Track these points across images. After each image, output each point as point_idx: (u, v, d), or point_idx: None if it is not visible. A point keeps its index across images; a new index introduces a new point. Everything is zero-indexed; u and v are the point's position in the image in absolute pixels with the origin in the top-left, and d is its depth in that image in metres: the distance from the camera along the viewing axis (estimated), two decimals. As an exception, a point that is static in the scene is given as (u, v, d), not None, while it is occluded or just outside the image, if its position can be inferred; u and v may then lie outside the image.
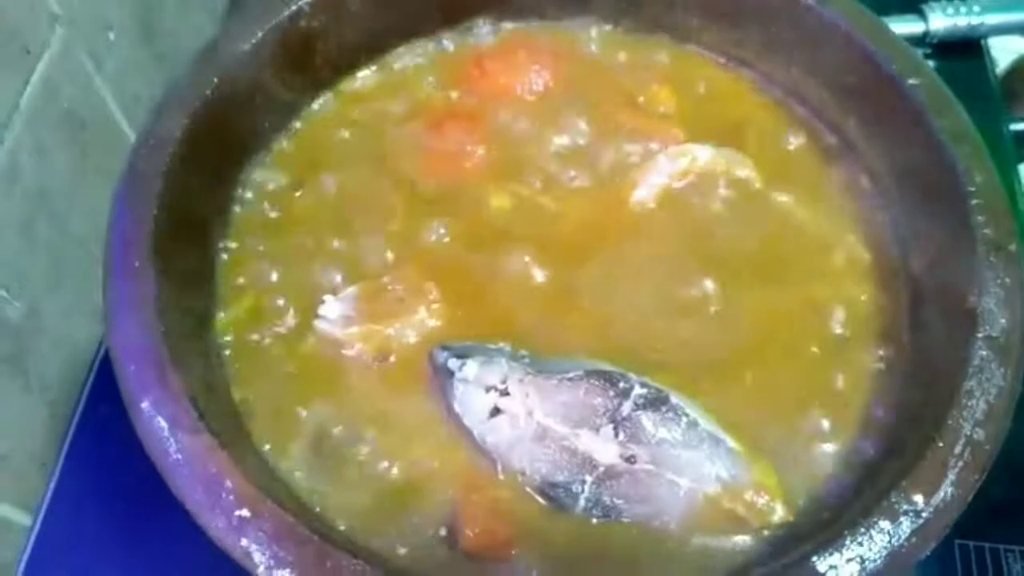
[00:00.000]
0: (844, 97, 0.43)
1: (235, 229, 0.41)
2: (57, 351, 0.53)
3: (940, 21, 0.62)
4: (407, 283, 0.38)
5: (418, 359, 0.37)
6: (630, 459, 0.34)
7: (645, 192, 0.42)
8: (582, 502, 0.33)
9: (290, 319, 0.38)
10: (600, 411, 0.34)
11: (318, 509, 0.33)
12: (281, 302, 0.39)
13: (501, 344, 0.37)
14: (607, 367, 0.35)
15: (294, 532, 0.28)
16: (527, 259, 0.40)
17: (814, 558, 0.29)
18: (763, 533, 0.33)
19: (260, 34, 0.40)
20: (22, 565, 0.47)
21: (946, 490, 0.30)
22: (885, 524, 0.29)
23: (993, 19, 0.63)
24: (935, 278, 0.37)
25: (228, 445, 0.30)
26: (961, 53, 0.64)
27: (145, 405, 0.30)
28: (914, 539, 0.29)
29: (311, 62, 0.44)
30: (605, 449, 0.34)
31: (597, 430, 0.34)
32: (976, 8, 0.62)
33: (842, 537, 0.29)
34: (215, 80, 0.38)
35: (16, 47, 0.48)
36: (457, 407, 0.35)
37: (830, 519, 0.32)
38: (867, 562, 0.29)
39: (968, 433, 0.31)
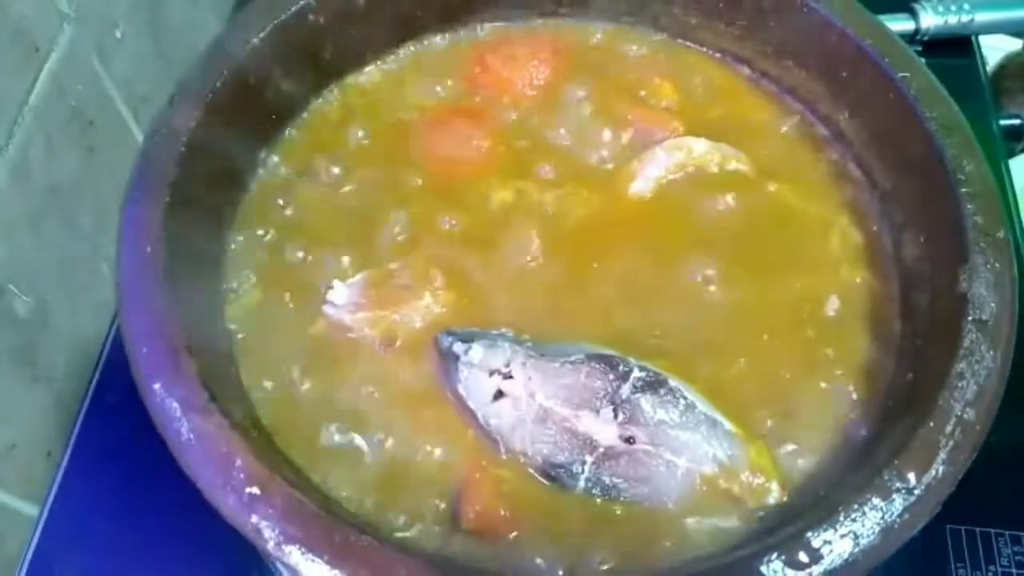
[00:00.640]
0: (837, 90, 0.44)
1: (245, 216, 0.42)
2: (64, 344, 0.54)
3: (931, 19, 0.64)
4: (413, 271, 0.39)
5: (423, 344, 0.38)
6: (629, 440, 0.34)
7: (642, 184, 0.43)
8: (582, 482, 0.34)
9: (299, 304, 0.39)
10: (600, 393, 0.35)
11: (325, 488, 0.34)
12: (290, 287, 0.39)
13: (504, 330, 0.38)
14: (607, 351, 0.36)
15: (302, 509, 0.29)
16: (529, 249, 0.41)
17: (809, 534, 0.29)
18: (759, 512, 0.34)
19: (269, 28, 0.41)
20: (29, 556, 0.48)
21: (937, 468, 0.30)
22: (878, 501, 0.30)
23: (983, 17, 0.64)
24: (926, 264, 0.38)
25: (238, 425, 0.31)
26: (952, 51, 0.65)
27: (157, 387, 0.31)
28: (906, 516, 0.30)
29: (318, 56, 0.45)
30: (605, 430, 0.34)
31: (597, 412, 0.35)
32: (966, 6, 0.64)
33: (836, 514, 0.30)
34: (225, 73, 0.39)
35: (25, 45, 0.49)
36: (462, 390, 0.36)
37: (824, 497, 0.33)
38: (860, 538, 0.29)
39: (959, 413, 0.31)
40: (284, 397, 0.37)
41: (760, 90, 0.48)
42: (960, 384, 0.32)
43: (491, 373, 0.35)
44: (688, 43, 0.49)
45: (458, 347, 0.36)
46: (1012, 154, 0.67)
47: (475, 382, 0.35)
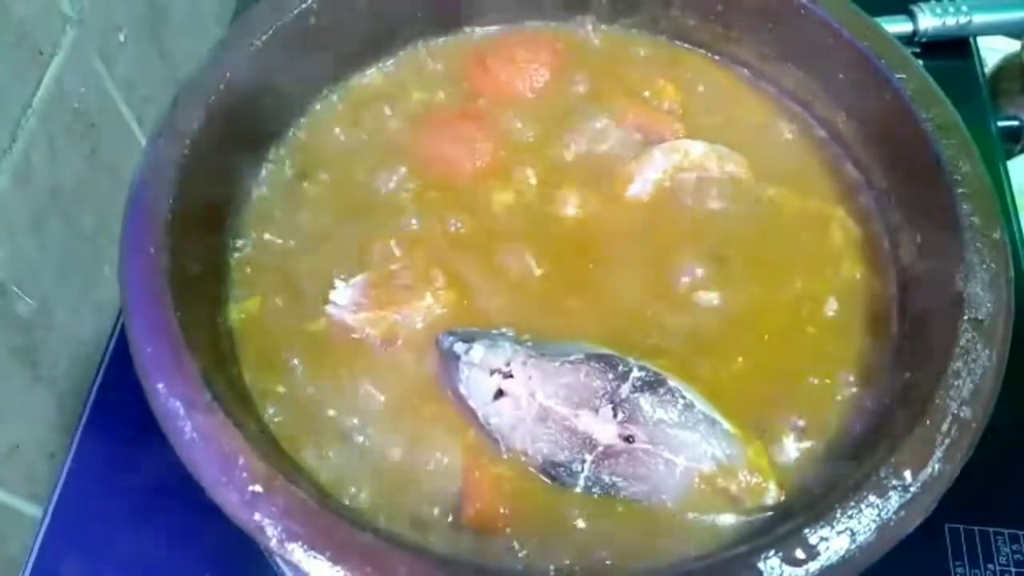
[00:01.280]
0: (834, 92, 0.45)
1: (248, 217, 0.42)
2: (66, 345, 0.54)
3: (929, 21, 0.64)
4: (414, 271, 0.40)
5: (424, 344, 0.38)
6: (628, 439, 0.35)
7: (640, 186, 0.44)
8: (582, 481, 0.34)
9: (301, 304, 0.39)
10: (600, 393, 0.35)
11: (326, 486, 0.34)
12: (292, 288, 0.40)
13: (504, 330, 0.38)
14: (607, 351, 0.36)
15: (304, 506, 0.29)
16: (528, 250, 0.41)
17: (806, 531, 0.30)
18: (756, 511, 0.34)
19: (270, 31, 0.41)
20: (32, 556, 0.48)
21: (934, 466, 0.31)
22: (875, 499, 0.30)
23: (981, 19, 0.64)
24: (923, 263, 0.39)
25: (241, 424, 0.31)
26: (950, 52, 0.65)
27: (161, 387, 0.31)
28: (903, 513, 0.30)
29: (320, 59, 0.45)
30: (604, 429, 0.35)
31: (597, 411, 0.35)
32: (964, 8, 0.64)
33: (833, 511, 0.30)
34: (228, 75, 0.39)
35: (29, 48, 0.49)
36: (463, 389, 0.36)
37: (821, 494, 0.33)
38: (857, 535, 0.29)
39: (955, 412, 0.32)
40: (286, 396, 0.37)
41: (758, 91, 0.48)
42: (956, 383, 0.32)
43: (492, 372, 0.36)
44: (687, 45, 0.49)
45: (459, 347, 0.36)
46: (1010, 155, 0.68)
47: (476, 381, 0.36)
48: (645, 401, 0.35)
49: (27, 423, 0.52)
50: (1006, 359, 0.33)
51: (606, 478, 0.34)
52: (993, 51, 0.76)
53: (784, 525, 0.31)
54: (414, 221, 0.42)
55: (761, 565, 0.29)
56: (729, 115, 0.47)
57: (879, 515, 0.30)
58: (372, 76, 0.48)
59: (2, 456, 0.50)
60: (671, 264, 0.41)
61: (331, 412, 0.37)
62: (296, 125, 0.45)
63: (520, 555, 0.33)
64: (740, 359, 0.38)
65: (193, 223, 0.36)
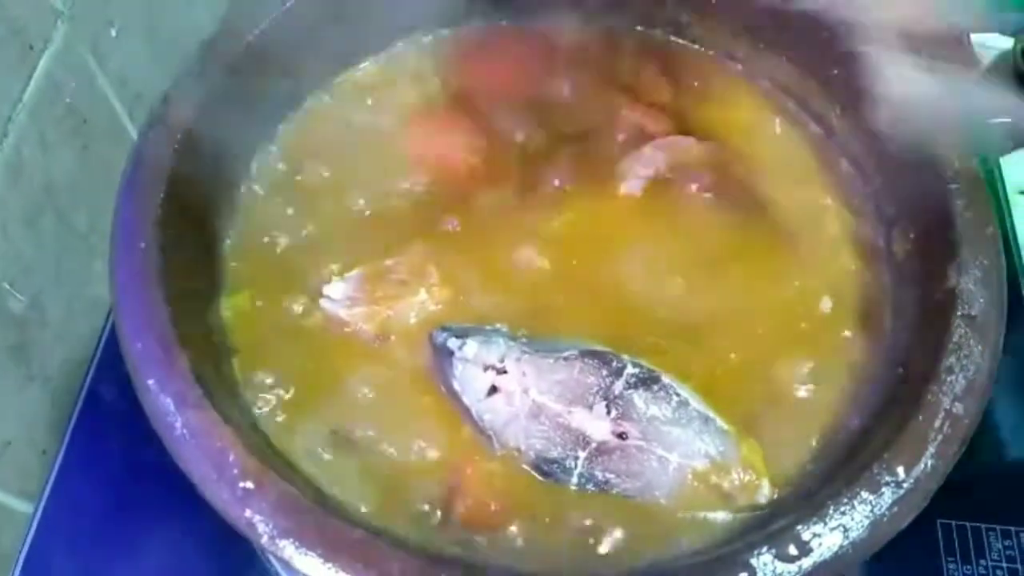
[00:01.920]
0: (828, 88, 0.45)
1: (239, 212, 0.42)
2: (59, 342, 0.54)
3: (923, 18, 0.64)
4: (409, 267, 0.39)
5: (418, 339, 0.38)
6: (622, 435, 0.35)
7: (634, 183, 0.44)
8: (575, 477, 0.34)
9: (294, 298, 0.39)
10: (593, 389, 0.35)
11: (318, 482, 0.34)
12: (285, 283, 0.39)
13: (498, 325, 0.38)
14: (601, 347, 0.36)
15: (296, 503, 0.29)
16: (523, 247, 0.41)
17: (798, 527, 0.29)
18: (749, 508, 0.34)
19: (264, 26, 0.41)
20: (23, 553, 0.48)
21: (926, 462, 0.31)
22: (867, 495, 0.30)
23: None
24: (916, 259, 0.39)
25: (232, 420, 0.31)
26: (944, 49, 0.65)
27: (151, 383, 0.31)
28: (895, 509, 0.30)
29: (313, 54, 0.45)
30: (598, 426, 0.35)
31: (590, 407, 0.35)
32: (958, 6, 0.64)
33: (825, 507, 0.30)
34: (220, 70, 0.39)
35: (19, 43, 0.49)
36: (456, 385, 0.36)
37: (814, 490, 0.33)
38: (850, 531, 0.29)
39: (948, 408, 0.32)
40: (278, 391, 0.37)
41: (753, 87, 0.48)
42: (949, 379, 0.32)
43: (485, 368, 0.36)
44: (681, 40, 0.49)
45: (452, 342, 0.36)
46: (1003, 152, 0.68)
47: (469, 377, 0.36)
48: (639, 398, 0.35)
49: (19, 420, 0.51)
50: (999, 355, 0.33)
51: (599, 475, 0.34)
52: (986, 48, 0.76)
53: (777, 521, 0.31)
54: (408, 216, 0.42)
55: (754, 561, 0.29)
56: (722, 110, 0.47)
57: (872, 511, 0.30)
58: (364, 72, 0.47)
59: (-6, 453, 0.49)
60: (666, 262, 0.41)
61: (323, 407, 0.36)
62: (288, 120, 0.45)
63: (512, 551, 0.33)
64: (733, 355, 0.38)
65: (184, 219, 0.36)
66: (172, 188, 0.35)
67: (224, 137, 0.40)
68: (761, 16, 0.46)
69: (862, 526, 0.30)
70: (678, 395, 0.35)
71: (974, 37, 0.67)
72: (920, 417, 0.32)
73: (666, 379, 0.35)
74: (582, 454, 0.34)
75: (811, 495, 0.32)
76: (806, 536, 0.29)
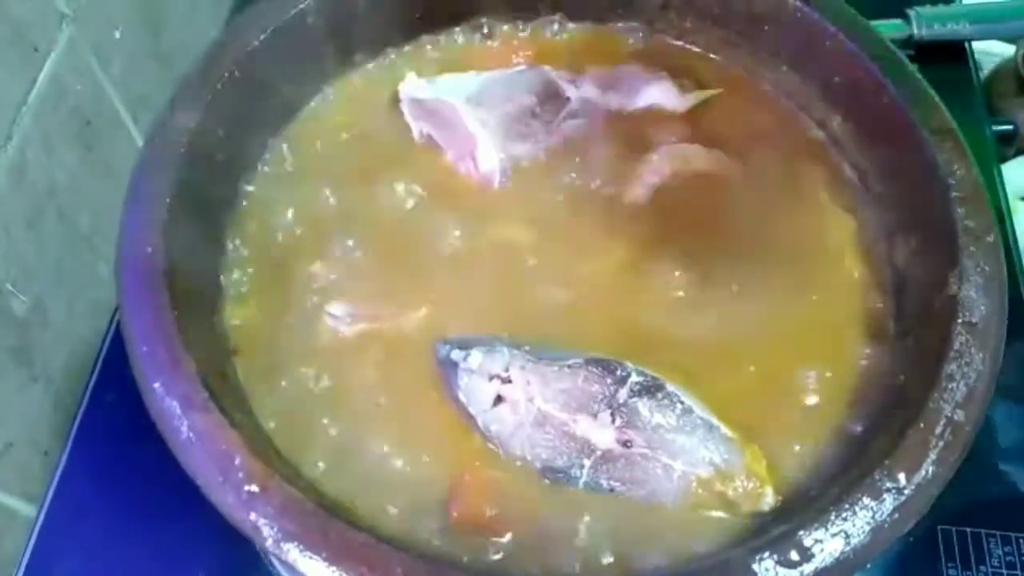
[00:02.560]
0: (830, 95, 0.45)
1: (244, 217, 0.42)
2: (62, 344, 0.54)
3: (925, 25, 0.64)
4: (411, 280, 0.40)
5: (421, 351, 0.38)
6: (626, 444, 0.35)
7: (640, 190, 0.44)
8: (581, 485, 0.35)
9: (297, 306, 0.39)
10: (598, 398, 0.35)
11: (322, 488, 0.34)
12: (289, 289, 0.39)
13: (501, 335, 0.38)
14: (605, 356, 0.36)
15: (301, 507, 0.29)
16: (526, 256, 0.41)
17: (800, 533, 0.30)
18: (753, 516, 0.34)
19: (268, 31, 0.41)
20: (27, 556, 0.48)
21: (927, 469, 0.31)
22: (869, 501, 0.30)
23: (976, 24, 0.64)
24: (918, 267, 0.39)
25: (237, 424, 0.31)
26: (945, 57, 0.66)
27: (157, 386, 0.31)
28: (896, 515, 0.30)
29: (317, 58, 0.45)
30: (602, 434, 0.35)
31: (595, 416, 0.35)
32: (959, 13, 0.64)
33: (827, 513, 0.30)
34: (225, 75, 0.39)
35: (24, 45, 0.49)
36: (462, 397, 0.36)
37: (816, 496, 0.33)
38: (851, 537, 0.30)
39: (949, 415, 0.32)
40: (282, 396, 0.37)
41: (755, 93, 0.48)
42: (950, 386, 0.33)
43: (490, 378, 0.36)
44: (683, 47, 0.50)
45: (456, 354, 0.36)
46: (1004, 159, 0.68)
47: (475, 388, 0.36)
48: (643, 406, 0.35)
49: (21, 422, 0.51)
50: (1000, 362, 0.34)
51: (604, 483, 0.34)
52: (988, 55, 0.76)
53: (779, 527, 0.31)
54: (411, 224, 0.42)
55: (756, 567, 0.29)
56: (726, 117, 0.47)
57: (873, 517, 0.30)
58: (368, 76, 0.48)
59: (-3, 455, 0.50)
60: (672, 270, 0.41)
61: (327, 415, 0.36)
62: (294, 124, 0.45)
63: (515, 557, 0.33)
64: (741, 362, 0.38)
65: (190, 223, 0.36)
66: (177, 194, 0.35)
67: (229, 142, 0.40)
68: (762, 23, 0.46)
69: (863, 532, 0.30)
70: (682, 403, 0.35)
71: (976, 44, 0.68)
72: (921, 424, 0.32)
73: (670, 387, 0.36)
74: (587, 462, 0.34)
75: (813, 501, 0.32)
76: (808, 542, 0.30)
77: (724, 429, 0.35)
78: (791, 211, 0.43)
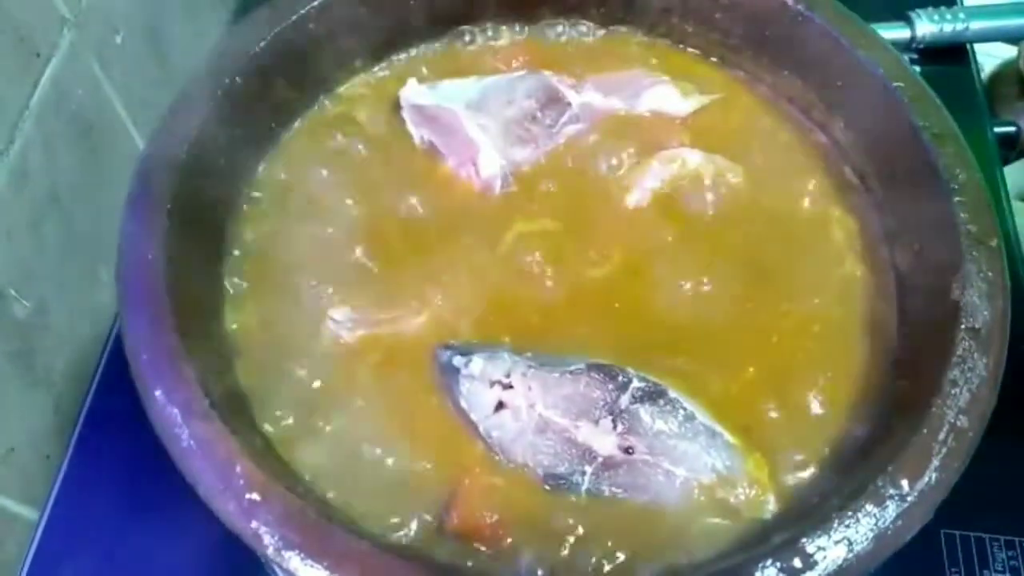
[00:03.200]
0: (832, 99, 0.45)
1: (245, 224, 0.42)
2: (63, 348, 0.54)
3: (926, 27, 0.64)
4: (412, 283, 0.39)
5: (422, 358, 0.38)
6: (628, 450, 0.35)
7: (639, 195, 0.44)
8: (583, 492, 0.34)
9: (299, 312, 0.39)
10: (599, 404, 0.35)
11: (323, 495, 0.34)
12: (289, 295, 0.39)
13: (503, 340, 0.38)
14: (606, 362, 0.36)
15: (302, 515, 0.29)
16: (527, 261, 0.41)
17: (803, 540, 0.30)
18: (755, 523, 0.34)
19: (269, 37, 0.41)
20: (28, 559, 0.48)
21: (930, 475, 0.31)
22: (872, 507, 0.30)
23: (978, 25, 0.64)
24: (920, 271, 0.39)
25: (238, 432, 0.31)
26: (947, 59, 0.65)
27: (158, 393, 0.31)
28: (900, 522, 0.30)
29: (317, 64, 0.45)
30: (604, 440, 0.35)
31: (596, 422, 0.35)
32: (961, 15, 0.64)
33: (830, 520, 0.30)
34: (226, 81, 0.39)
35: (26, 50, 0.49)
36: (463, 403, 0.36)
37: (818, 503, 0.33)
38: (854, 544, 0.29)
39: (952, 420, 0.32)
40: (283, 403, 0.37)
41: (756, 97, 0.48)
42: (953, 391, 0.32)
43: (492, 384, 0.35)
44: (685, 50, 0.49)
45: (457, 360, 0.36)
46: (1007, 161, 0.68)
47: (476, 394, 0.36)
48: (645, 412, 0.35)
49: (23, 426, 0.51)
50: (1003, 367, 0.33)
51: (606, 489, 0.34)
52: (990, 57, 0.76)
53: (781, 534, 0.31)
54: (412, 230, 0.42)
55: (759, 574, 0.29)
56: (727, 121, 0.47)
57: (876, 524, 0.30)
58: (369, 82, 0.47)
59: (-2, 459, 0.50)
60: (673, 274, 0.41)
61: (328, 422, 0.36)
62: (293, 130, 0.45)
63: (516, 564, 0.33)
64: (739, 368, 0.38)
65: (191, 229, 0.36)
66: (178, 200, 0.35)
67: (229, 149, 0.40)
68: (764, 28, 0.46)
69: (866, 539, 0.30)
70: (684, 409, 0.35)
71: (978, 46, 0.68)
72: (924, 430, 0.32)
73: (672, 393, 0.35)
74: (589, 469, 0.34)
75: (815, 508, 0.32)
76: (810, 549, 0.29)
77: (726, 435, 0.35)
78: (792, 215, 0.43)
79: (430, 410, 0.37)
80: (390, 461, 0.36)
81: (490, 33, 0.49)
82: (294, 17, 0.42)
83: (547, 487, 0.35)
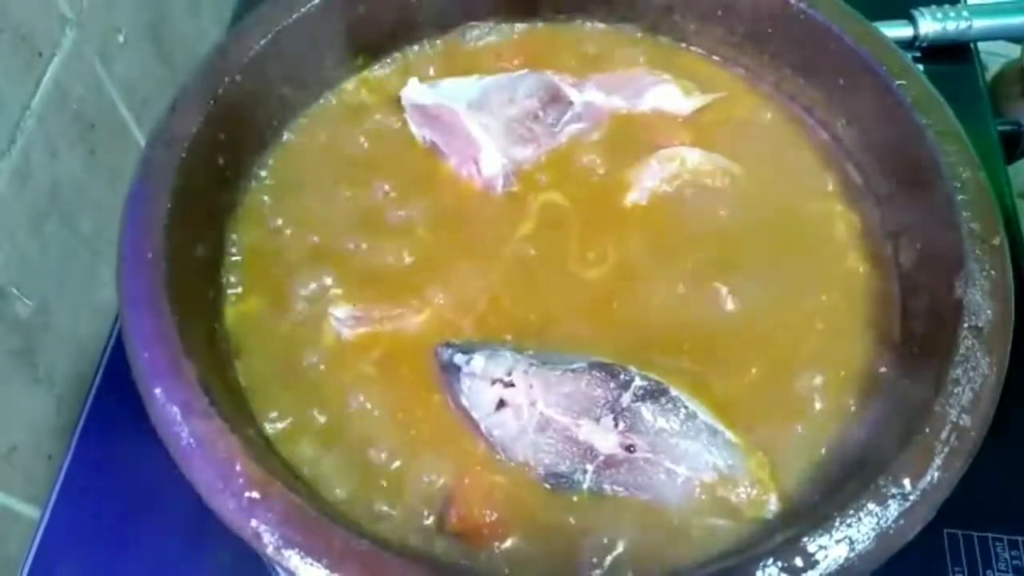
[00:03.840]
0: (834, 97, 0.45)
1: (245, 222, 0.42)
2: (65, 346, 0.54)
3: (929, 26, 0.64)
4: (413, 283, 0.39)
5: (423, 356, 0.38)
6: (630, 448, 0.35)
7: (638, 194, 0.43)
8: (584, 491, 0.34)
9: (299, 314, 0.39)
10: (601, 402, 0.35)
11: (323, 494, 0.34)
12: (290, 294, 0.39)
13: (504, 338, 0.38)
14: (608, 360, 0.36)
15: (302, 514, 0.29)
16: (529, 260, 0.41)
17: (805, 539, 0.29)
18: (756, 522, 0.34)
19: (270, 36, 0.41)
20: (30, 558, 0.48)
21: (933, 474, 0.31)
22: (874, 507, 0.30)
23: (981, 24, 0.64)
24: (923, 270, 0.38)
25: (238, 430, 0.31)
26: (951, 57, 0.65)
27: (158, 391, 0.31)
28: (902, 521, 0.30)
29: (318, 63, 0.45)
30: (605, 439, 0.35)
31: (598, 420, 0.35)
32: (965, 13, 0.64)
33: (832, 519, 0.30)
34: (226, 79, 0.39)
35: (28, 49, 0.49)
36: (465, 401, 0.36)
37: (820, 502, 0.33)
38: (856, 543, 0.29)
39: (954, 420, 0.32)
40: (283, 403, 0.37)
41: (758, 95, 0.48)
42: (956, 390, 0.32)
43: (493, 382, 0.35)
44: (687, 48, 0.49)
45: (459, 358, 0.36)
46: (1010, 160, 0.68)
47: (477, 392, 0.36)
48: (646, 410, 0.35)
49: (25, 425, 0.52)
50: (1006, 366, 0.33)
51: (607, 488, 0.34)
52: (994, 56, 0.76)
53: (783, 533, 0.31)
54: (412, 230, 0.42)
55: (760, 574, 0.29)
56: (728, 119, 0.47)
57: (878, 523, 0.30)
58: (369, 80, 0.47)
59: (0, 458, 0.50)
60: (673, 273, 0.41)
61: (328, 420, 0.36)
62: (296, 129, 0.45)
63: (516, 563, 0.33)
64: (741, 367, 0.38)
65: (191, 228, 0.36)
66: (178, 198, 0.35)
67: (231, 146, 0.40)
68: (766, 26, 0.46)
69: (868, 538, 0.30)
70: (686, 407, 0.35)
71: (981, 44, 0.68)
72: (927, 429, 0.31)
73: (674, 391, 0.35)
74: (590, 467, 0.34)
75: (817, 507, 0.32)
76: (812, 548, 0.29)
77: (728, 434, 0.35)
78: (794, 213, 0.43)
79: (431, 408, 0.37)
80: (390, 460, 0.35)
81: (492, 31, 0.49)
82: (295, 15, 0.42)
83: (548, 486, 0.35)
